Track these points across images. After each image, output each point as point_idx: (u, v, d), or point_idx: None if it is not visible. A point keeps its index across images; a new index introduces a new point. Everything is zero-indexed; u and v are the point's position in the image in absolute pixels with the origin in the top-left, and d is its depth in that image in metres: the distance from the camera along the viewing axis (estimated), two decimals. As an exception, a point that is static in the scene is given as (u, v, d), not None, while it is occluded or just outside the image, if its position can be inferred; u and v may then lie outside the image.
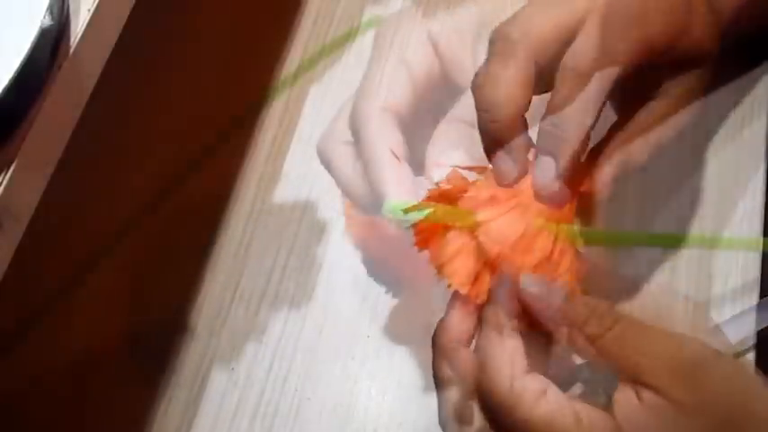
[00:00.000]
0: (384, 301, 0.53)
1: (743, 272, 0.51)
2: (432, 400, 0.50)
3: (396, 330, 0.52)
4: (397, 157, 0.42)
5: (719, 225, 0.53)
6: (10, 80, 0.32)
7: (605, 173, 0.38)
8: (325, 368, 0.51)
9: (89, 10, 0.36)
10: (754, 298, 0.51)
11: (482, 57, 0.38)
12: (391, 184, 0.41)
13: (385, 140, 0.42)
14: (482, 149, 0.38)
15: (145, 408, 0.51)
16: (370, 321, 0.52)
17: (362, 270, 0.54)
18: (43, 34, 0.33)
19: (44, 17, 0.33)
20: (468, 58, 0.44)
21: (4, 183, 0.33)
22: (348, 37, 0.60)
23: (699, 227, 0.53)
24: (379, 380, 0.51)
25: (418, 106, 0.45)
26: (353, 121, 0.44)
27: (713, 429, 0.33)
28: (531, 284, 0.35)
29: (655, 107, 0.40)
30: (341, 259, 0.54)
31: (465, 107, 0.42)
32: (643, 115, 0.39)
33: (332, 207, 0.55)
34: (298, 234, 0.55)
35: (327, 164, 0.47)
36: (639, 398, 0.33)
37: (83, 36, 0.35)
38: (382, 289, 0.53)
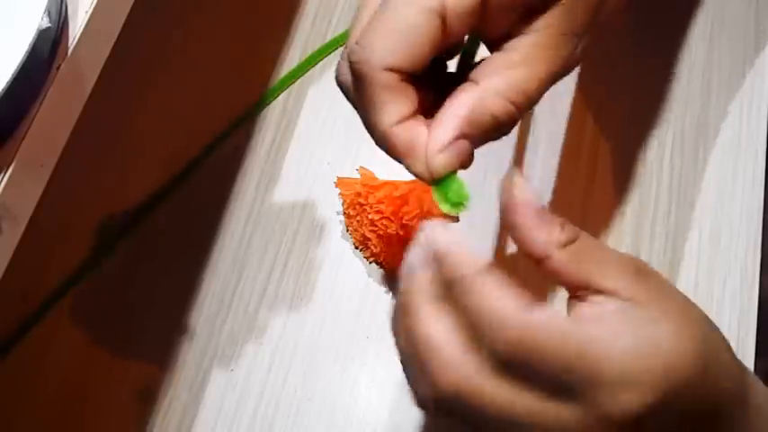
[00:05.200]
0: (384, 301, 0.53)
1: (743, 272, 0.51)
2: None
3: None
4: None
5: (719, 224, 0.53)
6: (9, 81, 0.32)
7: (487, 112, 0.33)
8: (324, 369, 0.51)
9: (87, 11, 0.36)
10: (754, 298, 0.51)
11: None
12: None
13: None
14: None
15: (145, 408, 0.51)
16: (369, 322, 0.52)
17: (362, 270, 0.54)
18: (41, 36, 0.33)
19: (42, 19, 0.33)
20: None
21: (4, 182, 0.33)
22: (347, 36, 0.60)
23: (698, 226, 0.53)
24: (379, 380, 0.51)
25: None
26: None
27: (674, 323, 0.30)
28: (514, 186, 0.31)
29: (529, 42, 0.34)
30: (341, 259, 0.54)
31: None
32: (519, 52, 0.34)
33: (331, 207, 0.55)
34: (298, 234, 0.55)
35: None
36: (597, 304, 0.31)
37: (81, 37, 0.35)
38: (382, 289, 0.53)
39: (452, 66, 0.37)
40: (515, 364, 0.29)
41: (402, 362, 0.33)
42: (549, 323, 0.29)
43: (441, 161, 0.32)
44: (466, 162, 0.33)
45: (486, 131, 0.33)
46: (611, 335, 0.29)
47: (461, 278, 0.30)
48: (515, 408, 0.29)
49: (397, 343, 0.33)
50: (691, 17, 0.59)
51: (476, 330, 0.30)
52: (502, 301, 0.29)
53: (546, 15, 0.34)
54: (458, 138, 0.32)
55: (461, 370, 0.30)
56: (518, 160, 0.56)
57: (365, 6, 0.34)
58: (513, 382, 0.29)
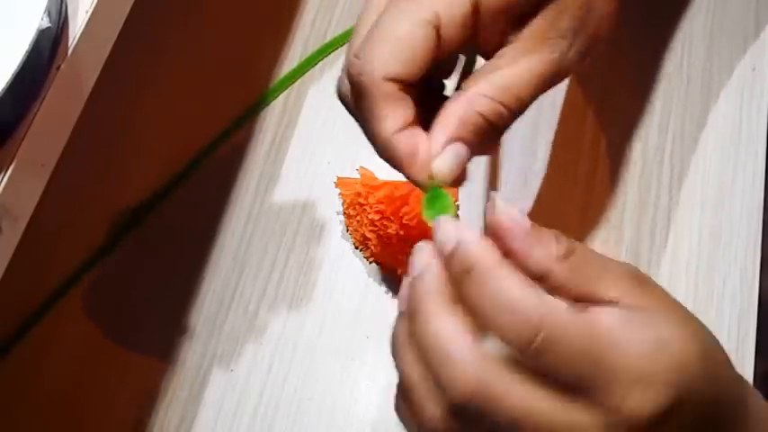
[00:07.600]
0: (384, 301, 0.53)
1: (743, 272, 0.51)
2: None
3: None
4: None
5: (719, 223, 0.53)
6: (9, 81, 0.32)
7: (473, 119, 0.34)
8: (324, 369, 0.51)
9: (87, 11, 0.36)
10: (754, 298, 0.51)
11: None
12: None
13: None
14: None
15: (145, 408, 0.51)
16: (369, 322, 0.52)
17: (362, 270, 0.54)
18: (41, 35, 0.33)
19: (42, 19, 0.33)
20: None
21: (4, 182, 0.33)
22: (347, 36, 0.60)
23: (698, 225, 0.53)
24: (379, 381, 0.51)
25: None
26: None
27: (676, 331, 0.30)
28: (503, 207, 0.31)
29: (516, 47, 0.35)
30: (341, 259, 0.54)
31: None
32: (506, 57, 0.35)
33: (331, 207, 0.55)
34: (298, 234, 0.55)
35: None
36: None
37: (81, 37, 0.36)
38: (382, 289, 0.53)
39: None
40: (535, 356, 0.28)
41: (403, 385, 0.31)
42: (571, 318, 0.29)
43: (438, 164, 0.33)
44: (461, 176, 0.34)
45: (478, 132, 0.34)
46: (622, 340, 0.29)
47: (478, 267, 0.29)
48: (533, 407, 0.29)
49: (400, 362, 0.32)
50: (691, 17, 0.59)
51: (492, 321, 0.29)
52: (521, 289, 0.29)
53: (532, 22, 0.35)
54: (452, 140, 0.33)
55: (478, 365, 0.29)
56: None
57: (362, 22, 0.36)
58: (530, 379, 0.29)
